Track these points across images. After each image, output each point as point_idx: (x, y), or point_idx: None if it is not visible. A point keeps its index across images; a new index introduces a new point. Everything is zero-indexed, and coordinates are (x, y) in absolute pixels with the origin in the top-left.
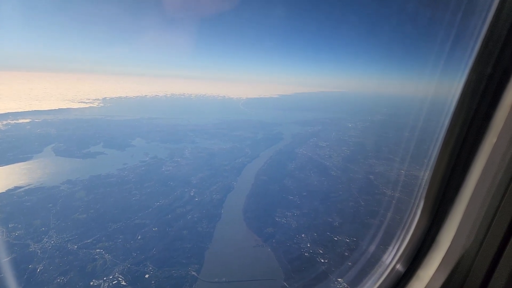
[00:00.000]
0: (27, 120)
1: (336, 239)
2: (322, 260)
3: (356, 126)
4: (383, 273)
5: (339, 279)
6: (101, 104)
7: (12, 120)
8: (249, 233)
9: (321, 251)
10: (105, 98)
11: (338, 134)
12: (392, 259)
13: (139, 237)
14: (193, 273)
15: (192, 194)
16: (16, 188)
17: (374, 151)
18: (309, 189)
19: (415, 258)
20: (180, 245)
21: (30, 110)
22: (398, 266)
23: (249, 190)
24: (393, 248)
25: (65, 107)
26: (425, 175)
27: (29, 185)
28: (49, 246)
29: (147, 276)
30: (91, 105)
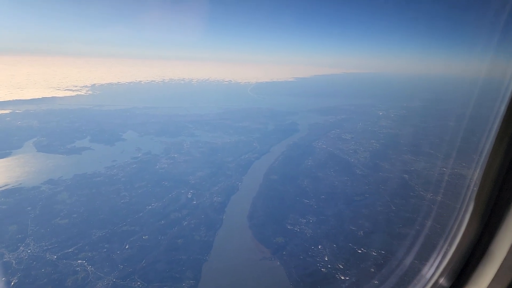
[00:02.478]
0: (7, 111)
1: (360, 252)
2: (342, 277)
3: (388, 114)
4: None
5: None
6: (89, 92)
7: None
8: (255, 244)
9: (341, 266)
10: (94, 85)
11: (365, 124)
12: (433, 273)
13: (127, 247)
14: None
15: (189, 196)
16: None
17: (411, 145)
18: (328, 191)
19: (462, 272)
20: (174, 256)
21: (11, 99)
22: (442, 281)
23: (256, 192)
24: (435, 260)
25: (50, 96)
26: (475, 173)
27: (6, 185)
28: (25, 255)
29: None
30: (79, 93)
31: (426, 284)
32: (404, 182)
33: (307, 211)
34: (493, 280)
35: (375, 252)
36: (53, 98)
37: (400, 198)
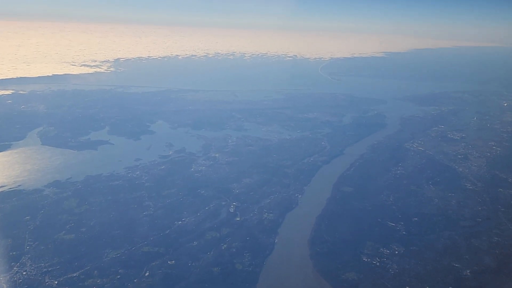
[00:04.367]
0: (9, 92)
1: None
2: None
3: None
4: None
5: None
6: (111, 69)
7: None
8: (317, 279)
9: None
10: (118, 59)
11: (483, 120)
12: None
13: (147, 274)
14: None
15: (232, 210)
16: None
17: None
18: (424, 211)
19: None
20: None
21: (14, 77)
22: None
23: (322, 209)
24: None
25: (62, 73)
26: None
27: (2, 186)
28: (19, 278)
29: None
30: (98, 69)
31: None
32: None
33: (392, 238)
34: None
35: None
36: (66, 75)
37: None
